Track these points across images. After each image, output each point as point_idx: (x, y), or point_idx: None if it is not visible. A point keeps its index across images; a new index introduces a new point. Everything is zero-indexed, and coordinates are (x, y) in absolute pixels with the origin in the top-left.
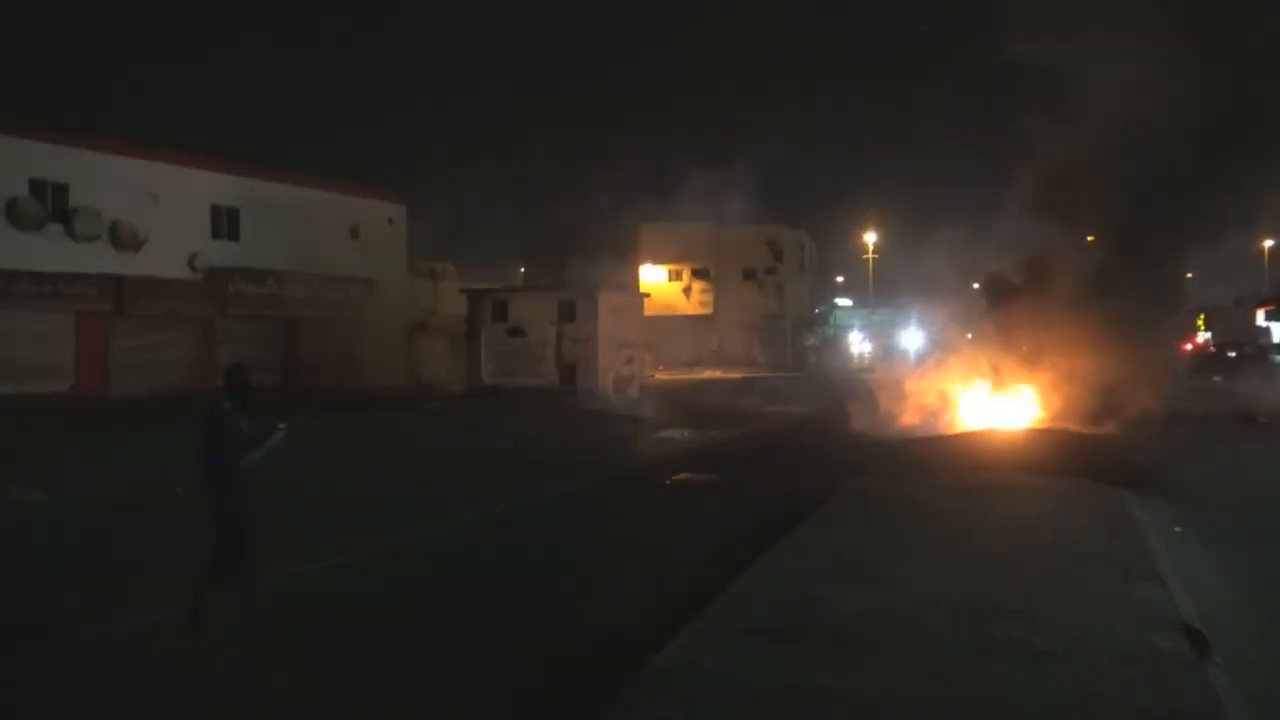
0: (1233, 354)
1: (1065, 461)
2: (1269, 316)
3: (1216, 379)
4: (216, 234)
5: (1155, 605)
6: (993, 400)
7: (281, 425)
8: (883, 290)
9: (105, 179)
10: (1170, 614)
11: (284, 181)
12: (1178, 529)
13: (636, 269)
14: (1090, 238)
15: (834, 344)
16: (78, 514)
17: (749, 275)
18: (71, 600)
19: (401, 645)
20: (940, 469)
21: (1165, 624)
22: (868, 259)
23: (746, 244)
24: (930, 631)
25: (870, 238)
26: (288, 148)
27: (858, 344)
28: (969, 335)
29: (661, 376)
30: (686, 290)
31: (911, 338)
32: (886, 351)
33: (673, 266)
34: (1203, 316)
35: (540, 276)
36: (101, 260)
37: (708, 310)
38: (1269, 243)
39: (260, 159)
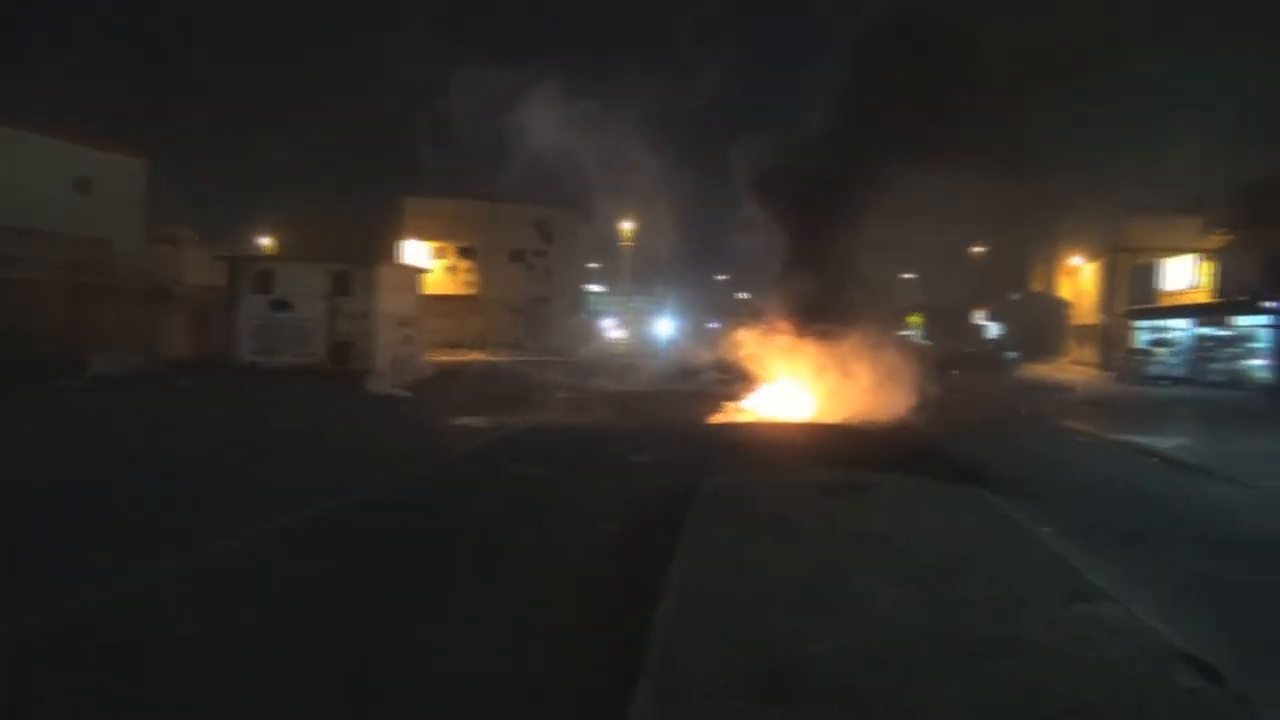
0: (970, 350)
1: (889, 456)
2: (987, 316)
3: (955, 373)
4: None
5: (1130, 630)
6: (768, 390)
7: None
8: (640, 278)
9: None
10: (1153, 641)
11: None
12: (1047, 529)
13: (399, 245)
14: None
15: (592, 329)
16: None
17: (517, 256)
18: None
19: None
20: (778, 463)
21: (1162, 655)
22: (625, 245)
23: (516, 224)
24: (947, 678)
25: (628, 225)
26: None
27: (612, 330)
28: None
29: (427, 357)
30: (451, 269)
31: (665, 325)
32: (642, 337)
33: (438, 244)
34: (921, 316)
35: (295, 249)
36: None
37: (473, 290)
38: (978, 249)
39: None
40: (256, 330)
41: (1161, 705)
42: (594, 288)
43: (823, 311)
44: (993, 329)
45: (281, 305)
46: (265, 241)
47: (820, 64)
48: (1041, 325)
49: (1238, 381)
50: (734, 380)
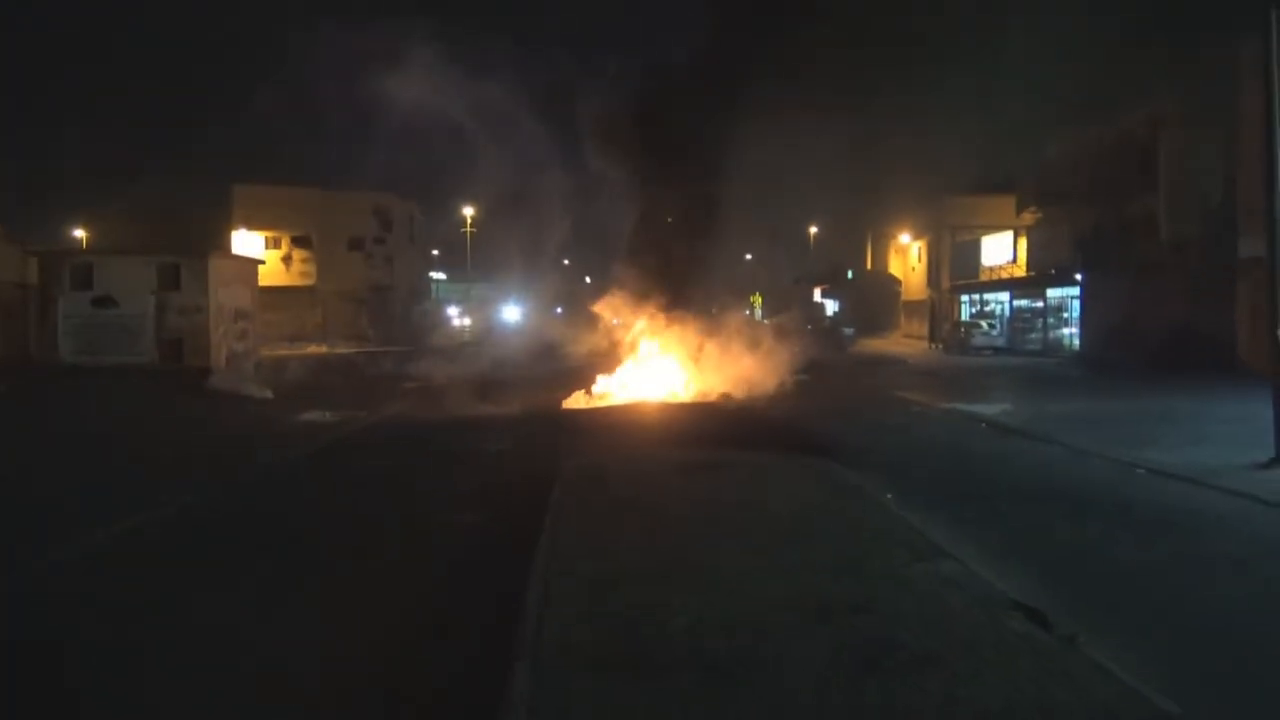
0: (809, 327)
1: (742, 433)
2: (824, 294)
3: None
4: None
5: (966, 583)
6: (620, 373)
7: None
8: (482, 266)
9: None
10: (987, 591)
11: None
12: (888, 495)
13: (230, 235)
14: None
15: (436, 318)
16: None
17: (355, 245)
18: None
19: None
20: (634, 445)
21: (996, 604)
22: (466, 233)
23: (353, 211)
24: (801, 638)
25: (468, 211)
26: None
27: (457, 318)
28: (556, 310)
29: (265, 352)
30: (286, 259)
31: (509, 312)
32: (488, 325)
33: (271, 233)
34: (760, 296)
35: (112, 240)
36: None
37: (310, 281)
38: (814, 229)
39: None
40: (77, 329)
41: (998, 649)
42: (437, 275)
43: (668, 291)
44: (830, 306)
45: (104, 302)
46: (79, 234)
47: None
48: (875, 302)
49: (1051, 349)
50: (584, 364)
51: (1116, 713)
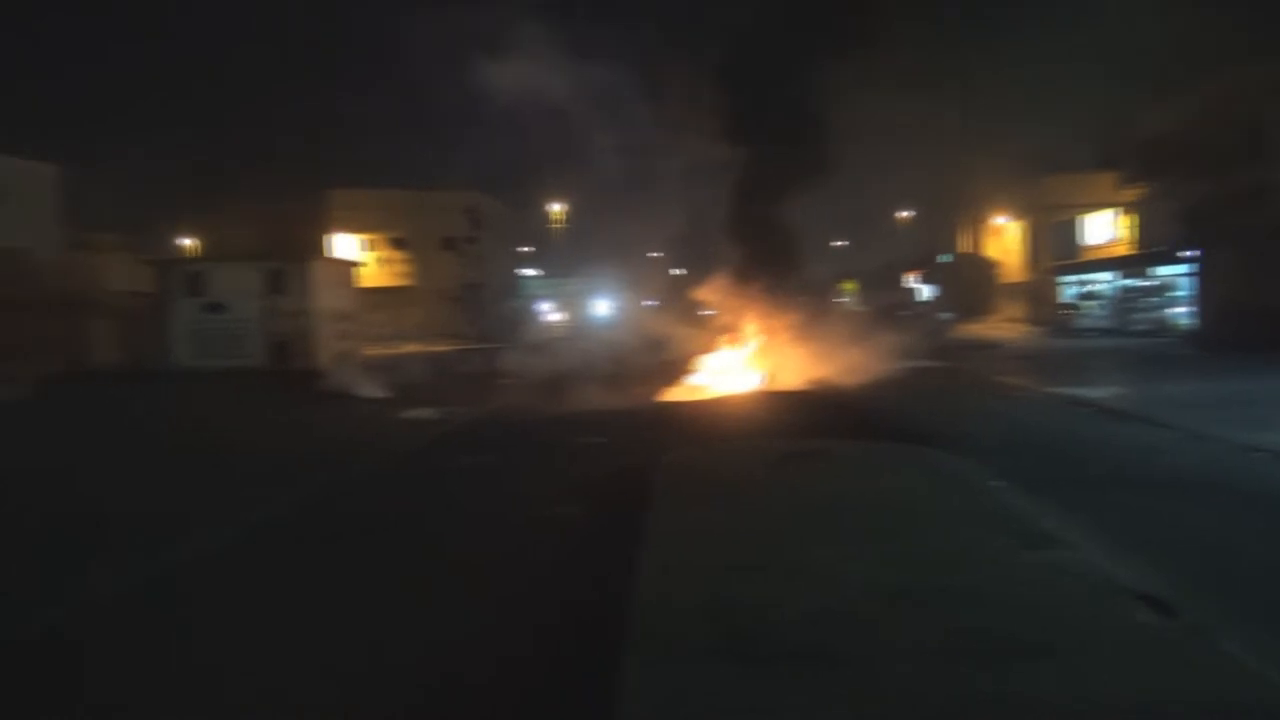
0: (904, 313)
1: (839, 422)
2: (918, 280)
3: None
4: None
5: (1082, 572)
6: (714, 363)
7: None
8: (572, 261)
9: None
10: (1105, 581)
11: None
12: (995, 482)
13: (328, 239)
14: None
15: (528, 314)
16: None
17: (449, 244)
18: None
19: None
20: (732, 437)
21: (1115, 593)
22: (555, 228)
23: (445, 211)
24: (910, 630)
25: (557, 206)
26: None
27: (549, 314)
28: (649, 303)
29: (366, 352)
30: (384, 261)
31: (601, 306)
32: (579, 320)
33: (368, 236)
34: (852, 282)
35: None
36: None
37: (406, 281)
38: (906, 213)
39: None
40: (191, 334)
41: (1118, 639)
42: (527, 272)
43: (765, 280)
44: (925, 291)
45: (215, 308)
46: (187, 242)
47: None
48: (971, 286)
49: (1161, 329)
50: (679, 357)
51: (1250, 706)
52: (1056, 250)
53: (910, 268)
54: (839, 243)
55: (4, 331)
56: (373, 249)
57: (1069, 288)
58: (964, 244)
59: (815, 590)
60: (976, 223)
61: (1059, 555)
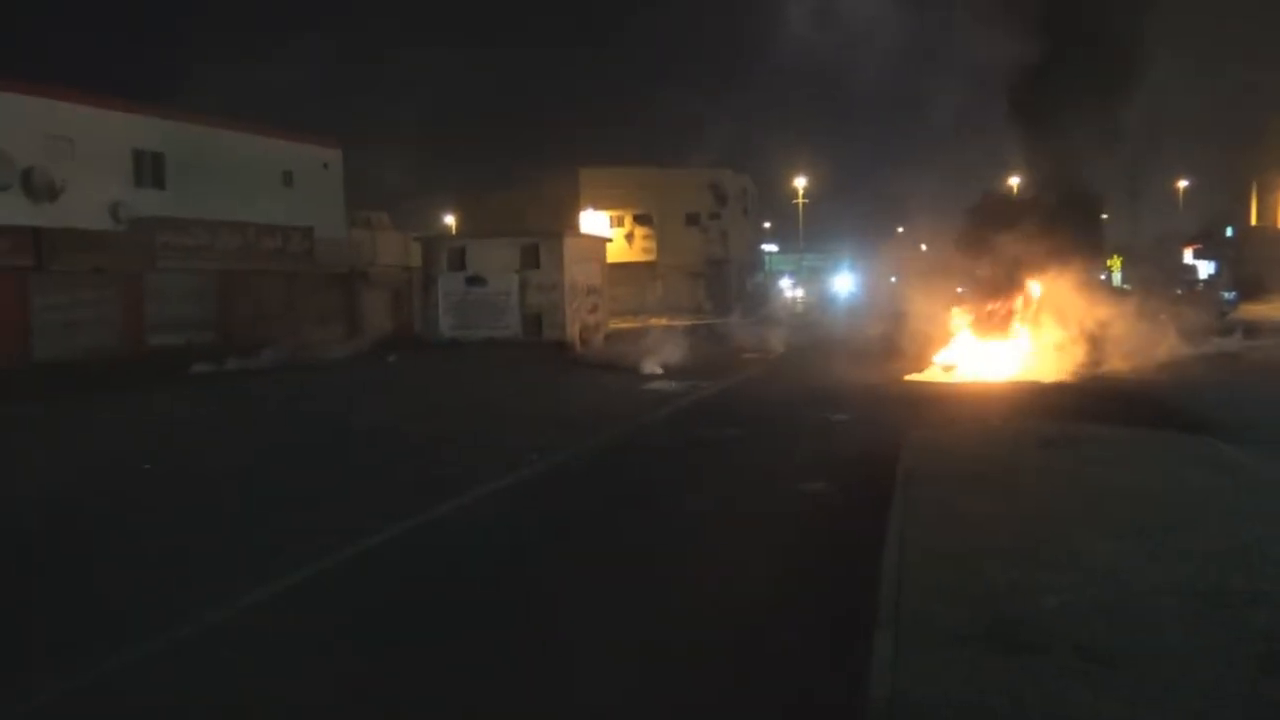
0: (1180, 292)
1: (1103, 407)
2: (1197, 255)
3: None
4: (140, 181)
5: None
6: (964, 344)
7: None
8: (812, 236)
9: (11, 121)
10: None
11: (210, 125)
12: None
13: (579, 215)
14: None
15: (770, 289)
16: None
17: (692, 220)
18: None
19: None
20: (982, 418)
21: None
22: (798, 204)
23: (688, 188)
24: (1188, 630)
25: (801, 182)
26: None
27: (789, 289)
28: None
29: (612, 325)
30: (629, 236)
31: (843, 281)
32: (821, 295)
33: (614, 212)
34: (1119, 258)
35: (476, 225)
36: (14, 211)
37: (651, 256)
38: (1183, 183)
39: (180, 102)
40: (454, 306)
41: None
42: (769, 247)
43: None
44: (1205, 269)
45: (476, 281)
46: (448, 220)
47: None
48: (1261, 262)
49: None
50: (925, 334)
51: None
52: None
53: (1188, 242)
54: (1104, 215)
55: (302, 303)
56: (620, 225)
57: None
58: (1255, 216)
59: (1084, 583)
60: (1269, 193)
61: None
